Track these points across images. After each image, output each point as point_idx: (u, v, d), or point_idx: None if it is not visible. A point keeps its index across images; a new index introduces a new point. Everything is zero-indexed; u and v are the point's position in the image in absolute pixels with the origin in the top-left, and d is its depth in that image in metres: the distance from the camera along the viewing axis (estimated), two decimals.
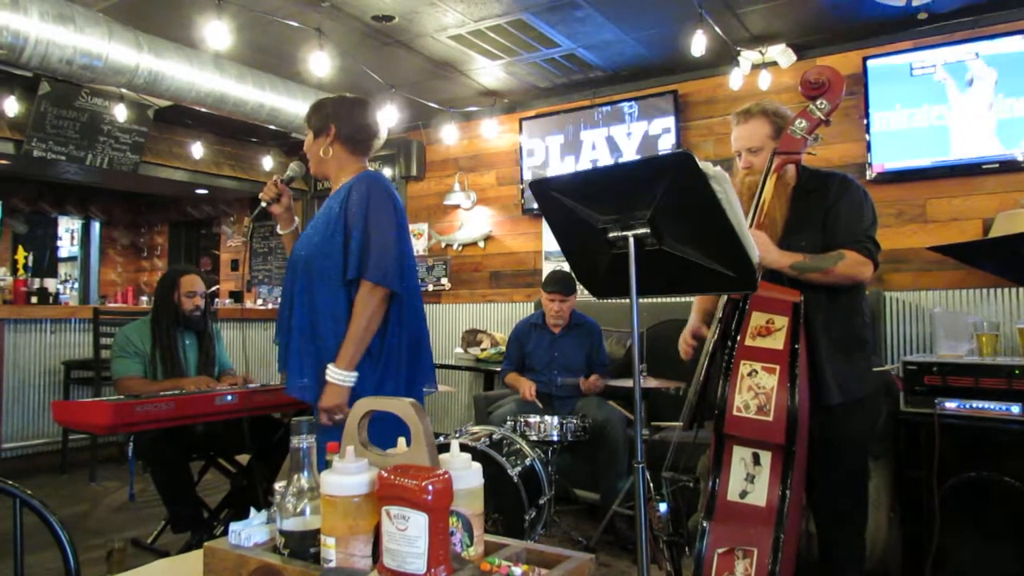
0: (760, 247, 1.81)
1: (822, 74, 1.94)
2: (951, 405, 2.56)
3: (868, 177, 3.92)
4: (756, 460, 1.77)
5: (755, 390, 1.74)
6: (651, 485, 2.53)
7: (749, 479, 1.77)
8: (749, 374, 1.77)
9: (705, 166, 1.42)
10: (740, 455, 1.79)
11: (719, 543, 1.72)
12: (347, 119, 2.04)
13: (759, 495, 1.75)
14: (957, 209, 3.75)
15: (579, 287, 3.66)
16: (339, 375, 1.86)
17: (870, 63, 3.90)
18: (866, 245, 1.92)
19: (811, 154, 2.05)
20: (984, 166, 3.63)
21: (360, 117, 2.06)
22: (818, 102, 1.93)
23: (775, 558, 1.67)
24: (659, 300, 2.07)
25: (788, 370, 1.74)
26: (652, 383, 2.89)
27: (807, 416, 1.84)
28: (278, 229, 2.21)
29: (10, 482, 1.15)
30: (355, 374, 1.87)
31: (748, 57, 4.15)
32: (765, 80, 4.09)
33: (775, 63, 4.11)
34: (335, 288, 1.91)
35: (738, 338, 1.83)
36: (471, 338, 4.86)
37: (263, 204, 2.14)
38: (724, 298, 1.98)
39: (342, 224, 1.93)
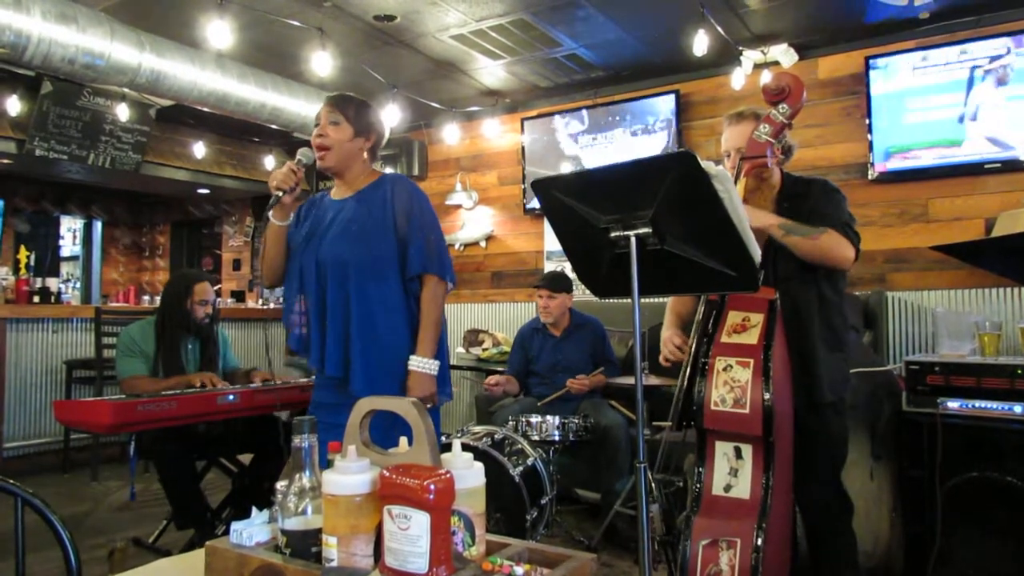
0: (750, 214, 1.86)
1: (781, 80, 1.99)
2: (953, 405, 2.55)
3: (870, 177, 3.92)
4: (738, 454, 1.81)
5: (731, 384, 1.78)
6: (652, 485, 2.53)
7: (732, 473, 1.81)
8: (724, 369, 1.80)
9: (707, 165, 1.42)
10: (722, 450, 1.83)
11: (703, 536, 1.75)
12: (380, 128, 2.10)
13: (743, 488, 1.79)
14: (959, 209, 3.74)
15: (577, 288, 3.66)
16: (424, 363, 1.94)
17: (872, 63, 3.89)
18: (846, 230, 1.96)
19: (784, 156, 2.10)
20: (986, 166, 3.63)
21: (383, 129, 2.14)
22: (780, 107, 1.97)
23: (758, 548, 1.69)
24: (660, 299, 2.08)
25: (762, 363, 1.78)
26: (654, 382, 2.89)
27: (791, 411, 1.88)
28: (274, 220, 2.01)
29: (11, 481, 1.15)
30: (437, 362, 1.96)
31: (750, 57, 4.15)
32: (767, 80, 4.08)
33: (777, 62, 4.10)
34: (392, 287, 1.97)
35: (715, 336, 1.88)
36: (473, 338, 4.86)
37: (279, 194, 1.95)
38: (702, 299, 2.01)
39: (391, 224, 1.97)
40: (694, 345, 1.97)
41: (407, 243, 1.97)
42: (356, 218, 1.98)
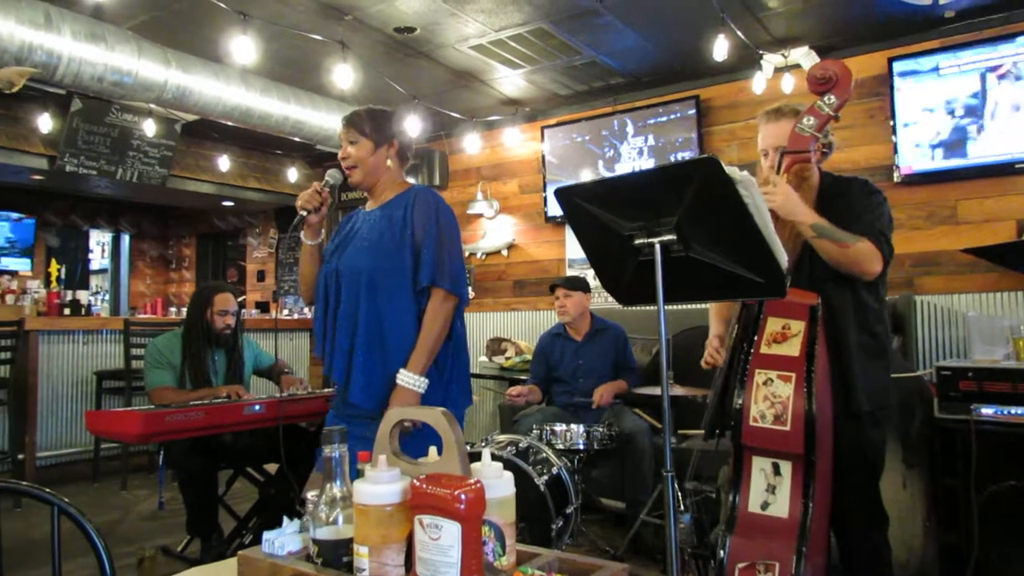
0: (783, 198, 1.80)
1: (828, 69, 1.86)
2: (988, 411, 2.49)
3: (895, 179, 3.86)
4: (776, 470, 1.73)
5: (771, 399, 1.70)
6: (678, 495, 2.50)
7: (770, 490, 1.73)
8: (764, 383, 1.72)
9: (731, 171, 1.41)
10: (760, 466, 1.75)
11: (740, 557, 1.68)
12: (403, 134, 2.09)
13: (781, 506, 1.70)
14: (990, 210, 3.67)
15: (601, 295, 3.65)
16: (411, 379, 1.86)
17: (896, 64, 3.84)
18: (880, 241, 1.89)
19: (824, 153, 2.01)
20: (1016, 165, 3.56)
21: (407, 133, 2.13)
22: (826, 98, 1.86)
23: (798, 572, 1.62)
24: (686, 307, 2.05)
25: (804, 377, 1.69)
26: (679, 391, 2.86)
27: (829, 424, 1.80)
28: (305, 239, 2.08)
29: (48, 490, 1.17)
30: (426, 380, 1.88)
31: (771, 60, 4.12)
32: (788, 83, 4.05)
33: (798, 66, 4.07)
34: (404, 299, 1.92)
35: (754, 344, 1.79)
36: (495, 347, 4.86)
37: (304, 213, 2.01)
38: (739, 303, 1.95)
39: (409, 236, 1.94)
40: (729, 351, 1.90)
41: (421, 255, 1.93)
42: (377, 229, 1.99)
